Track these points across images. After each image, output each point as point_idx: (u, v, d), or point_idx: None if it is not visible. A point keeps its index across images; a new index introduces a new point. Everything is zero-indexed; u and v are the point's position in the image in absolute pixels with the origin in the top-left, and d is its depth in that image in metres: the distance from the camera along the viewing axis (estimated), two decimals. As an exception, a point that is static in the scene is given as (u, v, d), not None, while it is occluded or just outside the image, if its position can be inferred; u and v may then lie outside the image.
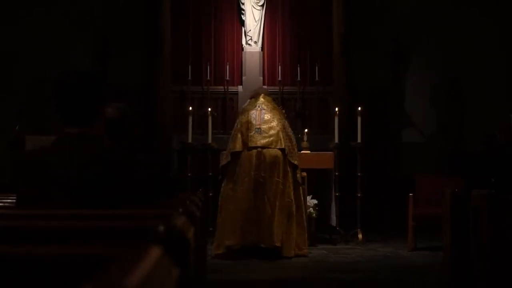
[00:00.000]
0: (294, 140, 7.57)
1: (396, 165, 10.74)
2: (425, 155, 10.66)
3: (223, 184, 7.43)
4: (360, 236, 8.31)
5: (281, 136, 7.36)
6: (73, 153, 2.55)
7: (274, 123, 7.43)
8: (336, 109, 8.84)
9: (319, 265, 6.95)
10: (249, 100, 7.88)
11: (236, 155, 7.38)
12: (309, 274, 6.59)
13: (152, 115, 10.66)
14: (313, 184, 7.99)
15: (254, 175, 7.22)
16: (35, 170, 2.58)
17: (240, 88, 11.13)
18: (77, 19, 10.47)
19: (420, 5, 10.98)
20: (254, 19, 11.19)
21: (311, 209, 7.90)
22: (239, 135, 7.41)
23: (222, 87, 11.15)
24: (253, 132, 7.36)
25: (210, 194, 8.23)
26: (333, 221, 8.42)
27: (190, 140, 8.60)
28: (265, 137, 7.35)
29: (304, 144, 8.63)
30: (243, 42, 11.25)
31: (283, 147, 7.33)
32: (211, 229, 7.59)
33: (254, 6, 11.21)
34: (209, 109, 8.94)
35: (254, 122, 7.42)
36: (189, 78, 10.85)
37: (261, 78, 11.09)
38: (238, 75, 11.27)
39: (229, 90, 11.15)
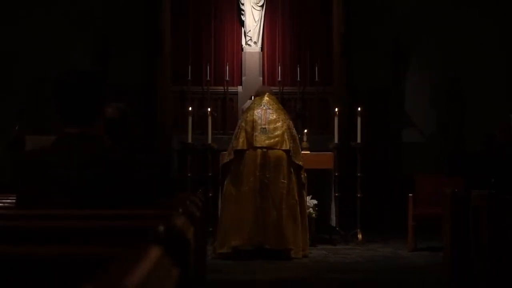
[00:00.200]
0: (298, 141, 7.57)
1: (396, 165, 10.74)
2: (425, 155, 10.66)
3: (225, 182, 7.38)
4: (360, 236, 8.31)
5: (286, 137, 7.34)
6: (73, 153, 2.54)
7: (279, 124, 7.41)
8: (336, 109, 8.84)
9: (319, 265, 6.95)
10: (253, 98, 7.85)
11: (239, 154, 7.35)
12: (309, 274, 6.59)
13: (152, 115, 10.65)
14: (313, 184, 7.99)
15: (259, 176, 7.20)
16: (35, 170, 2.57)
17: (240, 88, 11.13)
18: (77, 19, 10.47)
19: (420, 5, 10.98)
20: (254, 19, 11.19)
21: (310, 209, 7.89)
22: (243, 133, 7.36)
23: (222, 87, 11.15)
24: (258, 131, 7.33)
25: (210, 194, 8.22)
26: (333, 221, 8.42)
27: (190, 140, 8.59)
28: (270, 137, 7.32)
29: (304, 144, 8.63)
30: (243, 42, 11.25)
31: (288, 148, 7.31)
32: (211, 229, 7.59)
33: (254, 6, 11.21)
34: (209, 109, 8.94)
35: (259, 121, 7.38)
36: (189, 78, 10.84)
37: (261, 78, 11.09)
38: (238, 76, 11.26)
39: (229, 90, 11.15)
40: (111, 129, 2.98)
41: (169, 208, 2.52)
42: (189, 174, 8.47)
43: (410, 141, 10.94)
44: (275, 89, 10.82)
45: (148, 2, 10.83)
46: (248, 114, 7.49)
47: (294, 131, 7.52)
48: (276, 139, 7.32)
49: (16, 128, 7.85)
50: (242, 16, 11.26)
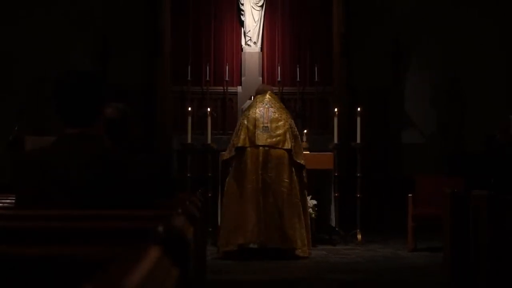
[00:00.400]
0: (299, 140, 7.57)
1: (396, 165, 10.74)
2: (425, 155, 10.66)
3: (227, 180, 7.37)
4: (359, 236, 8.31)
5: (288, 136, 7.33)
6: (73, 153, 2.54)
7: (281, 123, 7.40)
8: (336, 109, 8.83)
9: (319, 265, 6.95)
10: (254, 96, 7.84)
11: (240, 151, 7.34)
12: (309, 274, 6.59)
13: (152, 115, 10.65)
14: (313, 184, 7.99)
15: (262, 174, 7.20)
16: (35, 170, 2.57)
17: (239, 88, 11.12)
18: (77, 19, 10.46)
19: (420, 5, 10.98)
20: (254, 19, 11.19)
21: (310, 209, 7.89)
22: (245, 131, 7.34)
23: (221, 87, 11.15)
24: (260, 129, 7.32)
25: (210, 194, 8.23)
26: (333, 221, 8.42)
27: (189, 141, 8.59)
28: (272, 136, 7.32)
29: (304, 144, 8.62)
30: (243, 42, 11.25)
31: (289, 147, 7.30)
32: (210, 229, 7.59)
33: (254, 6, 11.21)
34: (209, 110, 8.94)
35: (261, 119, 7.37)
36: (189, 78, 10.84)
37: (261, 78, 11.08)
38: (237, 76, 11.26)
39: (229, 90, 11.15)
40: (111, 129, 2.98)
41: (168, 208, 2.52)
42: (188, 174, 8.47)
43: (410, 141, 10.94)
44: (275, 89, 10.82)
45: (148, 2, 10.83)
46: (250, 112, 7.46)
47: (295, 130, 7.51)
48: (278, 138, 7.32)
49: (16, 128, 7.85)
50: (241, 16, 11.26)
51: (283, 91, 11.10)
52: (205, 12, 11.30)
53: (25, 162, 2.68)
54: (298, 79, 11.06)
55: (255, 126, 7.32)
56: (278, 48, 11.37)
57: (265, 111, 7.44)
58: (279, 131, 7.34)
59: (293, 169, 7.30)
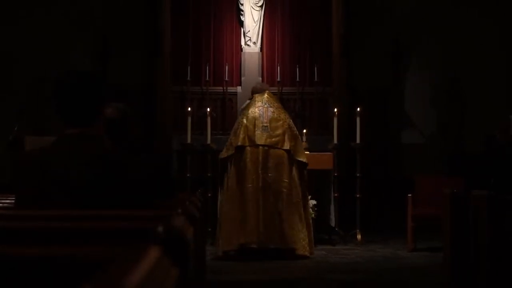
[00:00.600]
0: (300, 139, 7.57)
1: (395, 166, 10.74)
2: (425, 155, 10.66)
3: (225, 179, 7.37)
4: (359, 236, 8.31)
5: (286, 137, 7.33)
6: (73, 153, 2.54)
7: (280, 123, 7.40)
8: (335, 109, 8.83)
9: (318, 265, 6.95)
10: (253, 95, 7.84)
11: (239, 150, 7.33)
12: (309, 274, 6.59)
13: (152, 115, 10.65)
14: (313, 184, 7.99)
15: (262, 174, 7.20)
16: (35, 170, 2.57)
17: (239, 88, 11.13)
18: (77, 19, 10.47)
19: (420, 5, 10.98)
20: (253, 19, 11.19)
21: (310, 209, 7.89)
22: (244, 130, 7.33)
23: (221, 87, 11.15)
24: (260, 129, 7.31)
25: (209, 195, 8.23)
26: (333, 221, 8.42)
27: (189, 141, 8.59)
28: (271, 136, 7.31)
29: (304, 144, 8.62)
30: (242, 42, 11.26)
31: (288, 148, 7.30)
32: (210, 229, 7.59)
33: (253, 7, 11.21)
34: (208, 110, 8.94)
35: (260, 119, 7.37)
36: (189, 78, 10.85)
37: (260, 78, 11.07)
38: (237, 76, 11.27)
39: (228, 90, 11.15)
40: (111, 129, 2.98)
41: (168, 208, 2.52)
42: (188, 174, 8.47)
43: (410, 141, 10.94)
44: (274, 89, 10.82)
45: (148, 2, 10.83)
46: (250, 111, 7.46)
47: (295, 130, 7.51)
48: (277, 138, 7.32)
49: (16, 128, 7.85)
50: (241, 17, 11.26)
51: (283, 91, 11.10)
52: (205, 12, 11.30)
53: (25, 162, 2.68)
54: (297, 79, 11.06)
55: (254, 125, 7.32)
56: (278, 48, 11.38)
57: (264, 110, 7.44)
58: (278, 131, 7.34)
59: (293, 169, 7.30)
